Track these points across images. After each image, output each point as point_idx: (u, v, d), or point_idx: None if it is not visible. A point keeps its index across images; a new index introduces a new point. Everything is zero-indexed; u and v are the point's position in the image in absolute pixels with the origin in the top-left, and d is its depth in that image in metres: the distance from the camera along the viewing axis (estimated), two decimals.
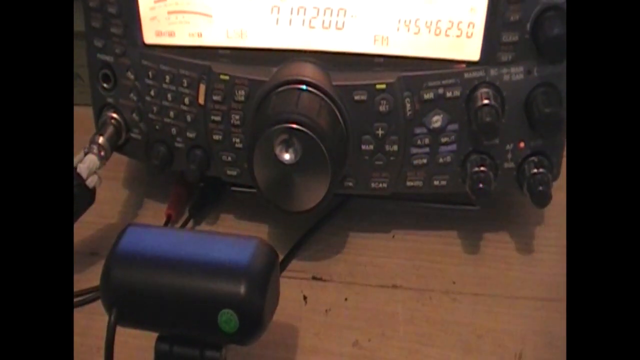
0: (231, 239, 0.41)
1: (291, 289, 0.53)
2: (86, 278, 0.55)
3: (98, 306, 0.52)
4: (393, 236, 0.57)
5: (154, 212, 0.60)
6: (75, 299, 0.53)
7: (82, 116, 0.67)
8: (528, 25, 0.49)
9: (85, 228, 0.57)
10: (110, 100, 0.56)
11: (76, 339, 0.50)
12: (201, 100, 0.53)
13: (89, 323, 0.52)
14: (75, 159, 0.56)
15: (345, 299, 0.53)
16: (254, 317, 0.38)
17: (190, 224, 0.59)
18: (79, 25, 0.59)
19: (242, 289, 0.38)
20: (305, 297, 0.53)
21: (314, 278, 0.55)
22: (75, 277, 0.55)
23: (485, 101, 0.50)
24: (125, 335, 0.41)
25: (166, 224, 0.58)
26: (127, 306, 0.40)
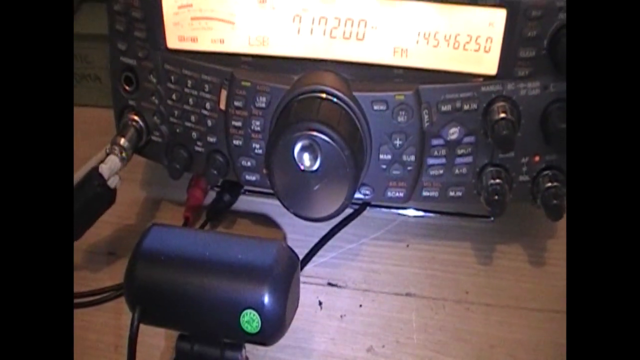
0: (254, 241, 0.42)
1: (307, 294, 0.53)
2: (104, 277, 0.55)
3: (115, 305, 0.54)
4: (407, 245, 0.58)
5: (172, 214, 0.61)
6: (93, 298, 0.54)
7: (99, 117, 0.68)
8: (545, 42, 0.49)
9: (103, 228, 0.58)
10: (131, 102, 0.57)
11: (93, 337, 0.52)
12: (222, 106, 0.53)
13: (107, 321, 0.52)
14: (95, 159, 0.57)
15: (360, 305, 0.53)
16: (275, 318, 0.39)
17: (207, 227, 0.59)
18: (101, 28, 0.60)
19: (265, 291, 0.39)
20: (320, 303, 0.54)
21: (330, 284, 0.55)
22: (93, 276, 0.56)
23: (502, 115, 0.50)
24: (142, 335, 0.41)
25: (184, 226, 0.58)
26: (151, 304, 0.40)
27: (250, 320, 0.38)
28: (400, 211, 0.60)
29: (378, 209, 0.60)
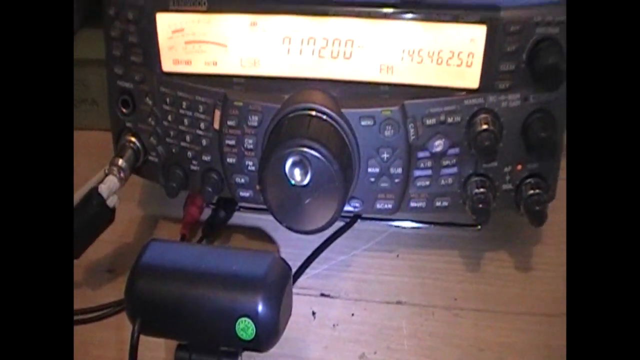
0: (248, 253, 0.44)
1: (301, 305, 0.55)
2: (104, 294, 0.57)
3: (116, 320, 0.55)
4: (397, 255, 0.59)
5: (169, 231, 0.62)
6: (94, 314, 0.55)
7: (97, 140, 0.69)
8: (524, 55, 0.51)
9: (102, 246, 0.59)
10: (129, 124, 0.58)
11: (94, 352, 0.53)
12: (216, 125, 0.55)
13: (107, 336, 0.54)
14: (94, 180, 0.59)
15: (352, 315, 0.55)
16: (269, 325, 0.40)
17: (204, 243, 0.61)
18: (97, 53, 0.61)
19: (259, 299, 0.40)
20: (314, 313, 0.55)
21: (322, 295, 0.56)
22: (93, 292, 0.57)
23: (484, 126, 0.52)
24: (142, 348, 0.42)
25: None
26: (151, 316, 0.42)
27: (246, 328, 0.40)
28: (390, 222, 0.62)
29: (369, 221, 0.61)
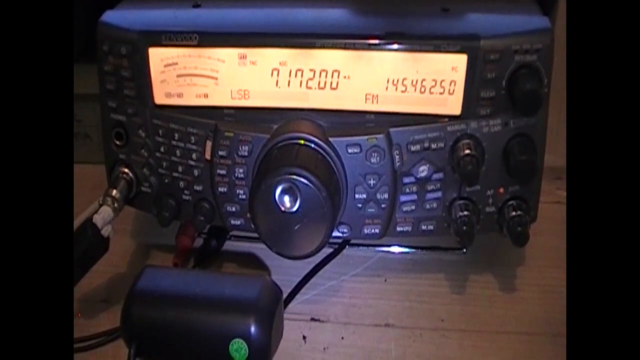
0: (240, 277, 0.46)
1: (292, 329, 0.55)
2: (98, 323, 0.57)
3: (110, 348, 0.56)
4: (385, 280, 0.60)
5: (161, 260, 0.63)
6: (88, 343, 0.56)
7: (90, 173, 0.70)
8: (504, 82, 0.53)
9: (96, 277, 0.59)
10: (122, 156, 0.59)
11: None
12: (207, 156, 0.56)
13: None
14: (88, 211, 0.60)
15: (342, 338, 0.56)
16: (262, 346, 0.42)
17: None
18: (89, 88, 0.62)
19: (251, 321, 0.42)
20: (304, 337, 0.56)
21: (313, 319, 0.57)
22: (87, 322, 0.58)
23: (467, 151, 0.53)
24: None
25: None
26: (146, 340, 0.43)
27: (239, 349, 0.41)
28: (378, 248, 0.63)
29: (357, 247, 0.63)
